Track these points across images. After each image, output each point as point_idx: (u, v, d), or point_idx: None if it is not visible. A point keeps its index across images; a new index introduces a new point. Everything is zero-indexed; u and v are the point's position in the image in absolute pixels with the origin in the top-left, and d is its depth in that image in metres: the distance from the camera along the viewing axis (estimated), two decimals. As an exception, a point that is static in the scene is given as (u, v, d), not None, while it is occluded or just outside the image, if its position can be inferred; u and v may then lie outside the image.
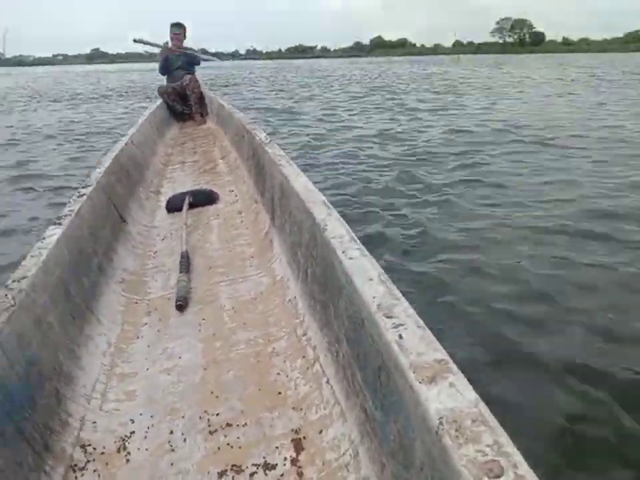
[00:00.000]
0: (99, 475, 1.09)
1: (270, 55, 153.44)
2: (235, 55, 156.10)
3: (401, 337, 0.85)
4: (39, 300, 1.32)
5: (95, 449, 1.15)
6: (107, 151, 3.24)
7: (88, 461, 1.12)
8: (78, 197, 2.05)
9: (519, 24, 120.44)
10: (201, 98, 6.05)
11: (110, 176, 2.54)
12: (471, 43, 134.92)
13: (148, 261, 2.18)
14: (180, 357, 1.48)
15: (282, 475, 1.05)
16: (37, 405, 1.12)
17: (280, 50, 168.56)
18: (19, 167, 5.67)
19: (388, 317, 0.91)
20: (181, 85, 5.88)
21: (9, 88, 22.97)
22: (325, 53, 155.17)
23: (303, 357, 1.38)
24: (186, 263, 2.00)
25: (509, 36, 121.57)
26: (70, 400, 1.24)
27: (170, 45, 5.94)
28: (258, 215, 2.47)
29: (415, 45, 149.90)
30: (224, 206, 2.85)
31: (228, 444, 1.15)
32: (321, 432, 1.13)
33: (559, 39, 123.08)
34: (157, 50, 6.02)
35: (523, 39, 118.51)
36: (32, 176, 5.19)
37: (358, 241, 1.25)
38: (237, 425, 1.20)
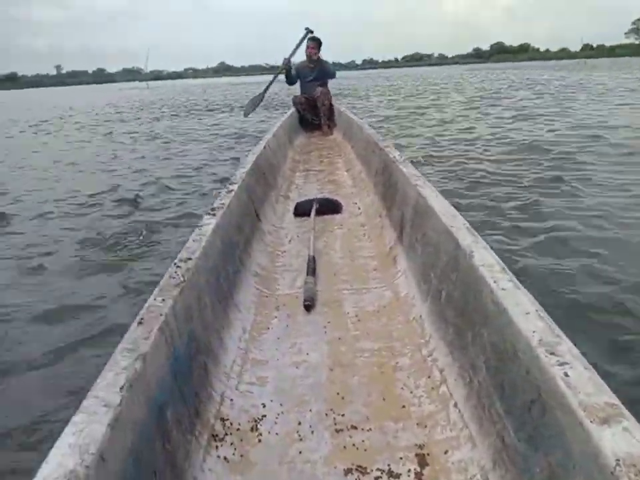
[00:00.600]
0: (235, 448, 1.17)
1: (386, 64, 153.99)
2: (351, 66, 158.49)
3: (566, 374, 0.84)
4: (200, 281, 1.46)
5: (231, 424, 1.23)
6: (248, 152, 3.46)
7: (226, 434, 1.20)
8: (227, 192, 2.23)
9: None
10: (331, 110, 6.32)
11: (250, 176, 2.75)
12: (601, 46, 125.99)
13: (277, 260, 2.32)
14: (307, 354, 1.55)
15: None
16: (192, 374, 1.22)
17: (396, 59, 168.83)
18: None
19: (550, 354, 0.90)
20: (313, 96, 6.20)
21: (152, 102, 25.08)
22: (442, 60, 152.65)
23: (428, 376, 1.38)
24: (313, 267, 2.10)
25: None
26: (214, 376, 1.34)
27: (305, 57, 6.34)
28: (382, 230, 2.49)
29: (538, 49, 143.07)
30: (348, 216, 2.90)
31: (353, 445, 1.18)
32: (446, 452, 1.13)
33: None
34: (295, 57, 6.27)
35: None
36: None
37: (510, 272, 1.22)
38: (362, 429, 1.23)
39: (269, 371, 1.48)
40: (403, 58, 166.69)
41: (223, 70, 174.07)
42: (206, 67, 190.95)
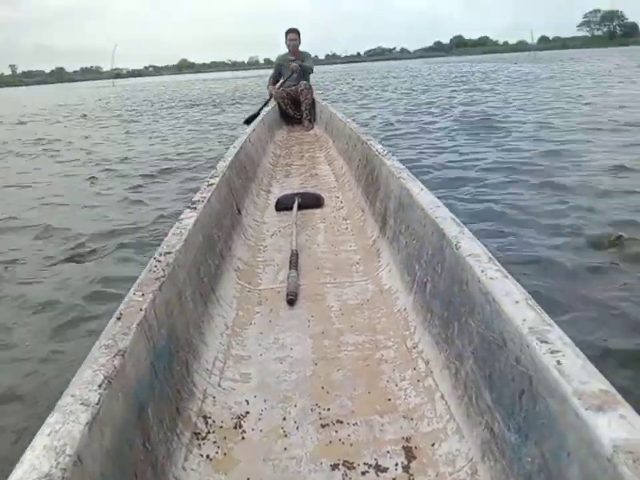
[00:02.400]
0: (218, 447, 1.15)
1: (349, 59, 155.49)
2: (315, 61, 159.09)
3: (559, 362, 0.81)
4: (180, 275, 1.44)
5: (214, 421, 1.22)
6: (229, 146, 3.46)
7: (208, 432, 1.18)
8: (208, 185, 2.22)
9: (609, 15, 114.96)
10: (312, 105, 6.33)
11: (232, 169, 2.75)
12: (557, 38, 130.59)
13: (259, 254, 2.30)
14: (291, 349, 1.54)
15: (394, 479, 1.06)
16: (173, 370, 1.21)
17: (359, 53, 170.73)
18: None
19: (542, 342, 0.86)
20: (296, 90, 6.27)
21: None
22: (404, 54, 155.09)
23: (414, 368, 1.37)
24: (295, 261, 2.09)
25: (598, 29, 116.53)
26: (195, 372, 1.33)
27: (288, 50, 6.52)
28: (365, 223, 2.49)
29: (497, 42, 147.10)
30: (330, 211, 2.88)
31: (339, 440, 1.17)
32: (433, 444, 1.12)
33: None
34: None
35: (613, 32, 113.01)
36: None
37: (497, 262, 1.17)
38: (348, 423, 1.22)
39: (252, 367, 1.47)
40: (366, 52, 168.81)
41: (185, 67, 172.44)
42: (166, 64, 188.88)
